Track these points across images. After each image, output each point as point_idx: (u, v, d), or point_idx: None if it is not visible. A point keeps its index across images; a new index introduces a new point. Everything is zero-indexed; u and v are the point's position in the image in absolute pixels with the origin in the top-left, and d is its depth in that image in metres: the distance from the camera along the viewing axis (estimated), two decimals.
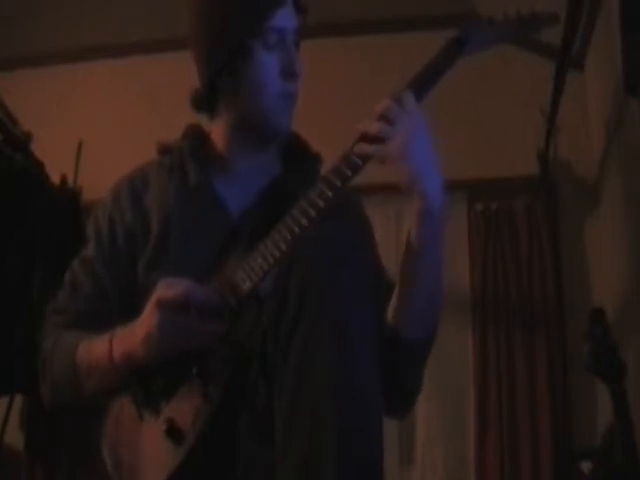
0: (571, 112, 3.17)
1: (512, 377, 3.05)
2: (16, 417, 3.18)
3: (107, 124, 3.58)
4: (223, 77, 1.36)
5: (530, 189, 3.28)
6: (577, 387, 3.02)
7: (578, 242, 3.23)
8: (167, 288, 1.17)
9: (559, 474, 2.89)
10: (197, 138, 1.46)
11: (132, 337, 1.20)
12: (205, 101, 1.41)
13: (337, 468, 0.98)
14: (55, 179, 3.24)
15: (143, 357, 1.19)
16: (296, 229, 1.14)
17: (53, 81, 3.68)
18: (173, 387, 1.20)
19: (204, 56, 1.38)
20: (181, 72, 1.61)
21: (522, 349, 3.07)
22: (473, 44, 1.30)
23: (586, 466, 2.32)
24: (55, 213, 3.06)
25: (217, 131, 1.44)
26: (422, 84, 1.23)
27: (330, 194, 1.14)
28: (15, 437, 3.17)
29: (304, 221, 1.14)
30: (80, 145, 3.52)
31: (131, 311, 1.24)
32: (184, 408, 1.17)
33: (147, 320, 1.18)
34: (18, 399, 3.10)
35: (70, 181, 3.38)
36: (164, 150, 1.48)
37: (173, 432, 1.16)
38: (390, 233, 3.09)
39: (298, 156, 1.47)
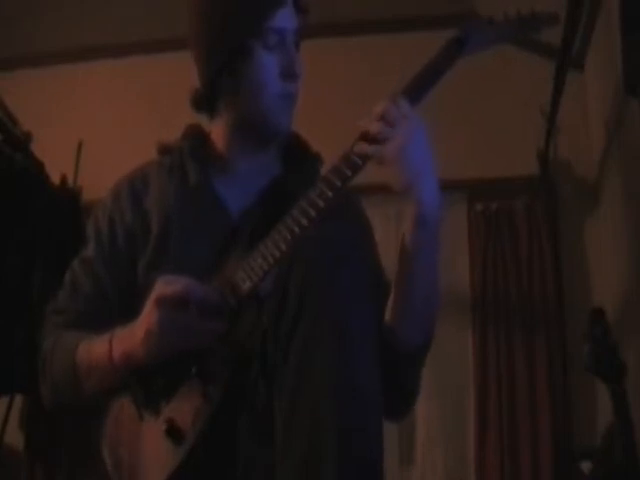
0: (571, 112, 3.17)
1: (512, 377, 3.05)
2: (16, 417, 3.18)
3: (107, 124, 3.58)
4: (223, 77, 1.36)
5: (530, 189, 3.28)
6: (577, 387, 3.02)
7: (578, 242, 3.23)
8: (166, 285, 1.17)
9: (559, 474, 2.89)
10: (197, 138, 1.45)
11: (132, 337, 1.20)
12: (205, 101, 1.41)
13: (337, 468, 0.98)
14: (55, 179, 3.23)
15: (143, 357, 1.19)
16: (296, 229, 1.14)
17: (53, 81, 3.68)
18: (173, 387, 1.20)
19: (204, 56, 1.38)
20: (181, 72, 1.61)
21: (522, 349, 3.07)
22: (473, 44, 1.30)
23: (586, 466, 2.32)
24: (55, 213, 3.06)
25: (217, 131, 1.44)
26: (422, 84, 1.23)
27: (330, 194, 1.14)
28: (15, 437, 3.16)
29: (304, 221, 1.14)
30: (80, 145, 3.52)
31: (131, 311, 1.24)
32: (184, 408, 1.17)
33: (147, 318, 1.17)
34: (18, 399, 3.10)
35: (70, 181, 3.38)
36: (164, 150, 1.48)
37: (173, 432, 1.15)
38: (390, 233, 3.07)
39: (298, 156, 1.47)
